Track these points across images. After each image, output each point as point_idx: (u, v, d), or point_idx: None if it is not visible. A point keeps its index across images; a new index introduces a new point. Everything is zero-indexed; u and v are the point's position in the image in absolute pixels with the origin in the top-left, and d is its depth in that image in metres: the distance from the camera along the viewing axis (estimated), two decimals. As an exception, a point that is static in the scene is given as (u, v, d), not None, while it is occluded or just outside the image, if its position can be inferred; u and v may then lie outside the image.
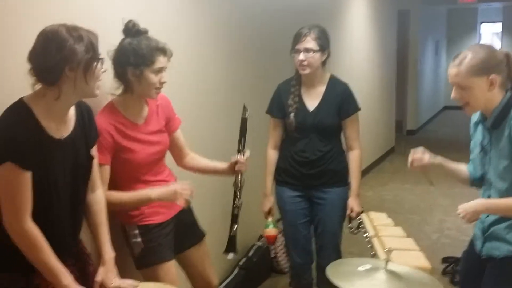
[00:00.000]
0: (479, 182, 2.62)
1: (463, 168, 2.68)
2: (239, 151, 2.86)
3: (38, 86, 2.03)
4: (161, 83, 2.58)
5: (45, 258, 2.03)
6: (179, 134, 2.90)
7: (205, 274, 3.00)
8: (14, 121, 1.97)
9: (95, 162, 2.33)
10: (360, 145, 3.43)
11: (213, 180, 3.32)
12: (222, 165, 2.95)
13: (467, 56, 2.34)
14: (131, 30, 2.54)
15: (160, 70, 2.55)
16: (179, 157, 2.95)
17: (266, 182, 3.47)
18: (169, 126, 2.81)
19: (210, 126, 3.79)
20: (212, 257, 3.48)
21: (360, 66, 7.81)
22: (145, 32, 2.56)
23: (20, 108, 2.00)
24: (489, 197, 2.48)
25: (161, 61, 2.54)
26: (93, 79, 2.07)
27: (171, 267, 2.75)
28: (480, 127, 2.54)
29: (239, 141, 2.87)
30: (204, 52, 3.75)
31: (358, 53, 7.66)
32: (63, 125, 2.12)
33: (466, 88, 2.35)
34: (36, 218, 2.03)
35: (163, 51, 2.56)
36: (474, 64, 2.31)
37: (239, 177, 2.88)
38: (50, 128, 2.05)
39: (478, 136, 2.56)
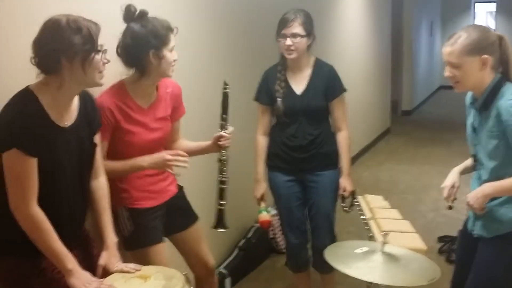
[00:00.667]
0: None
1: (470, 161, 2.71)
2: (222, 126, 2.86)
3: (41, 75, 2.07)
4: (175, 61, 2.63)
5: (50, 242, 2.07)
6: (179, 122, 2.94)
7: (201, 255, 3.03)
8: (21, 108, 2.01)
9: (98, 149, 2.37)
10: (347, 126, 3.47)
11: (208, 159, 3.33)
12: (205, 142, 2.95)
13: (461, 36, 2.40)
14: (134, 14, 2.54)
15: (173, 48, 2.61)
16: (169, 142, 2.94)
17: (257, 168, 3.49)
18: (173, 114, 2.84)
19: (196, 113, 3.77)
20: (211, 238, 3.52)
21: (355, 48, 7.82)
22: (146, 13, 2.56)
23: (26, 95, 2.04)
24: (480, 176, 2.54)
25: (172, 39, 2.60)
26: (91, 70, 2.09)
27: (161, 249, 2.78)
28: (472, 109, 2.59)
29: (222, 117, 2.87)
30: (189, 38, 3.72)
31: (353, 34, 7.67)
32: (67, 113, 2.16)
33: (459, 66, 2.41)
34: (43, 202, 2.07)
35: (172, 29, 2.61)
36: (468, 44, 2.38)
37: (224, 153, 2.87)
38: (55, 116, 2.09)
39: (470, 118, 2.61)
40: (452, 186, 2.66)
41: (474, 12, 16.61)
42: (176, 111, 2.86)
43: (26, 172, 2.02)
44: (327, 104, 3.39)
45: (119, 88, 2.61)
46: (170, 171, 2.67)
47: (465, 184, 2.69)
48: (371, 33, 8.63)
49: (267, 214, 3.44)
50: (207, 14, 3.94)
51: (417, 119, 11.64)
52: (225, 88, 2.88)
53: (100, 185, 2.41)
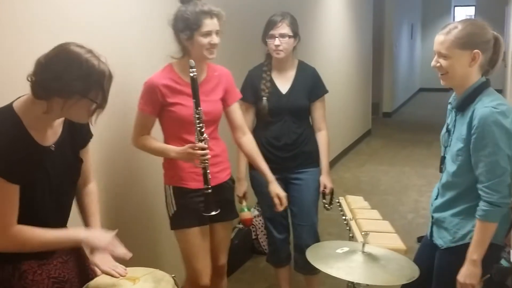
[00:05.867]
0: None
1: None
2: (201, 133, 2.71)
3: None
4: (212, 44, 2.75)
5: (45, 239, 2.03)
6: (234, 109, 3.05)
7: (216, 252, 3.10)
8: (3, 132, 1.93)
9: (86, 162, 2.31)
10: (326, 125, 3.58)
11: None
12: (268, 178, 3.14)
13: (457, 27, 2.32)
14: None
15: (208, 34, 2.73)
16: (234, 133, 3.11)
17: (239, 167, 3.53)
18: (226, 97, 2.98)
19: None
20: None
21: (337, 50, 7.88)
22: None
23: (9, 117, 1.96)
24: (440, 178, 2.53)
25: (207, 24, 2.72)
26: (83, 115, 2.00)
27: (199, 232, 2.90)
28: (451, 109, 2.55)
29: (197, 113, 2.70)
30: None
31: (334, 37, 7.74)
32: (51, 131, 2.08)
33: (447, 57, 2.33)
34: (23, 220, 2.00)
35: (209, 13, 2.73)
36: (461, 36, 2.30)
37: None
38: (39, 136, 2.01)
39: (448, 119, 2.56)
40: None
41: (454, 15, 16.79)
42: (228, 95, 2.98)
43: (7, 200, 1.95)
44: (309, 104, 3.49)
45: (167, 69, 2.83)
46: (195, 164, 2.71)
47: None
48: (353, 36, 8.71)
49: (249, 212, 3.52)
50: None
51: (397, 121, 11.77)
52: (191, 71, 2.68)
53: (89, 191, 2.37)
